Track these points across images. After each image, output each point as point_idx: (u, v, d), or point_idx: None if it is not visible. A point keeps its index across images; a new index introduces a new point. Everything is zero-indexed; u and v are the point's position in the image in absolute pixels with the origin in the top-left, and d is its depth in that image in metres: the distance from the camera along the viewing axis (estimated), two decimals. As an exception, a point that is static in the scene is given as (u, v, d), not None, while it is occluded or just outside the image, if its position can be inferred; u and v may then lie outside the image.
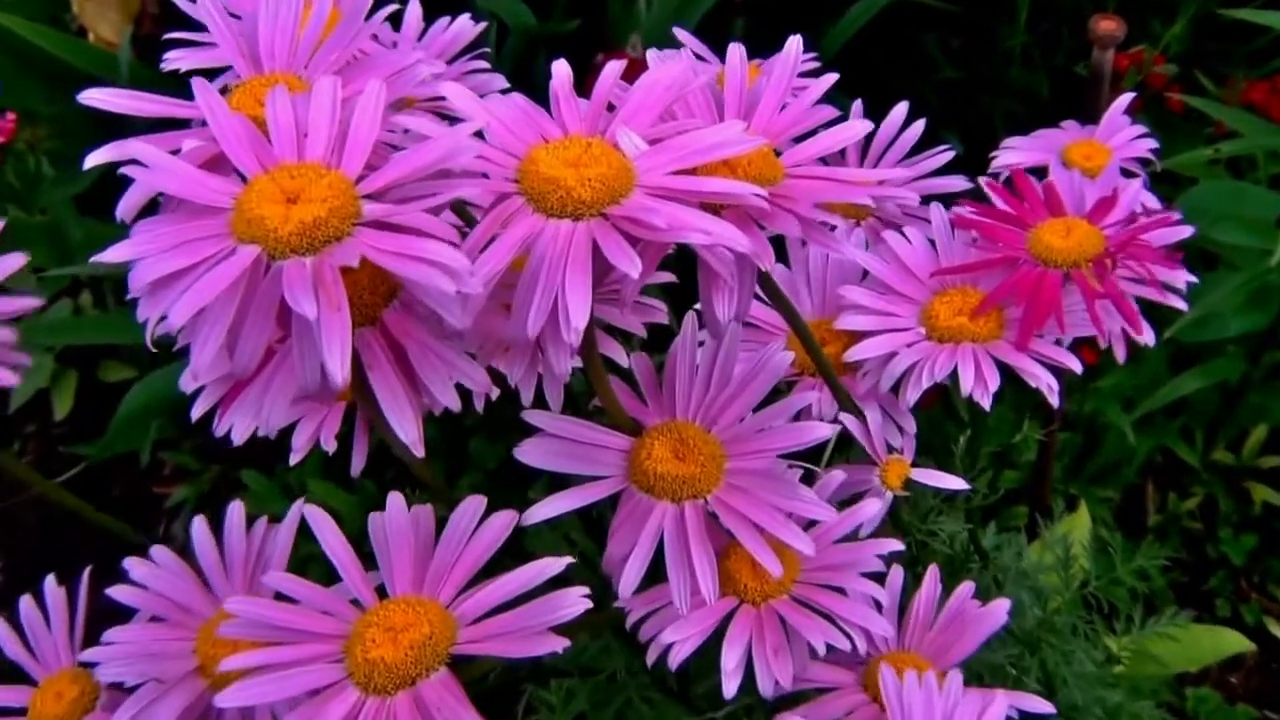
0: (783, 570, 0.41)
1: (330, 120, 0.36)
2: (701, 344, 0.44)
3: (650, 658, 0.44)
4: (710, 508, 0.42)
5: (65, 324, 1.03)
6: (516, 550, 0.41)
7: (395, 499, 0.41)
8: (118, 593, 0.46)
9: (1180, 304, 0.52)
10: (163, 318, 0.33)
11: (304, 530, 0.44)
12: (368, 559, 0.41)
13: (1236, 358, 0.93)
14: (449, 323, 0.34)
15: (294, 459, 0.47)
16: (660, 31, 0.89)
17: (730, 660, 0.43)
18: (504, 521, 0.41)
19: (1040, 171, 0.58)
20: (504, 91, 0.45)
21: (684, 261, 0.40)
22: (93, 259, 0.34)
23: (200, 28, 0.44)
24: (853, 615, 0.44)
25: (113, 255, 0.33)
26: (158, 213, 0.37)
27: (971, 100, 1.02)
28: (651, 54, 0.47)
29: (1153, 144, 0.60)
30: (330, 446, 0.47)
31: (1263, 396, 0.97)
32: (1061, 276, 0.51)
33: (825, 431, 0.43)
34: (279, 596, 0.41)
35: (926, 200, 0.55)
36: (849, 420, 0.49)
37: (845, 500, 0.47)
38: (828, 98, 0.43)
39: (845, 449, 0.51)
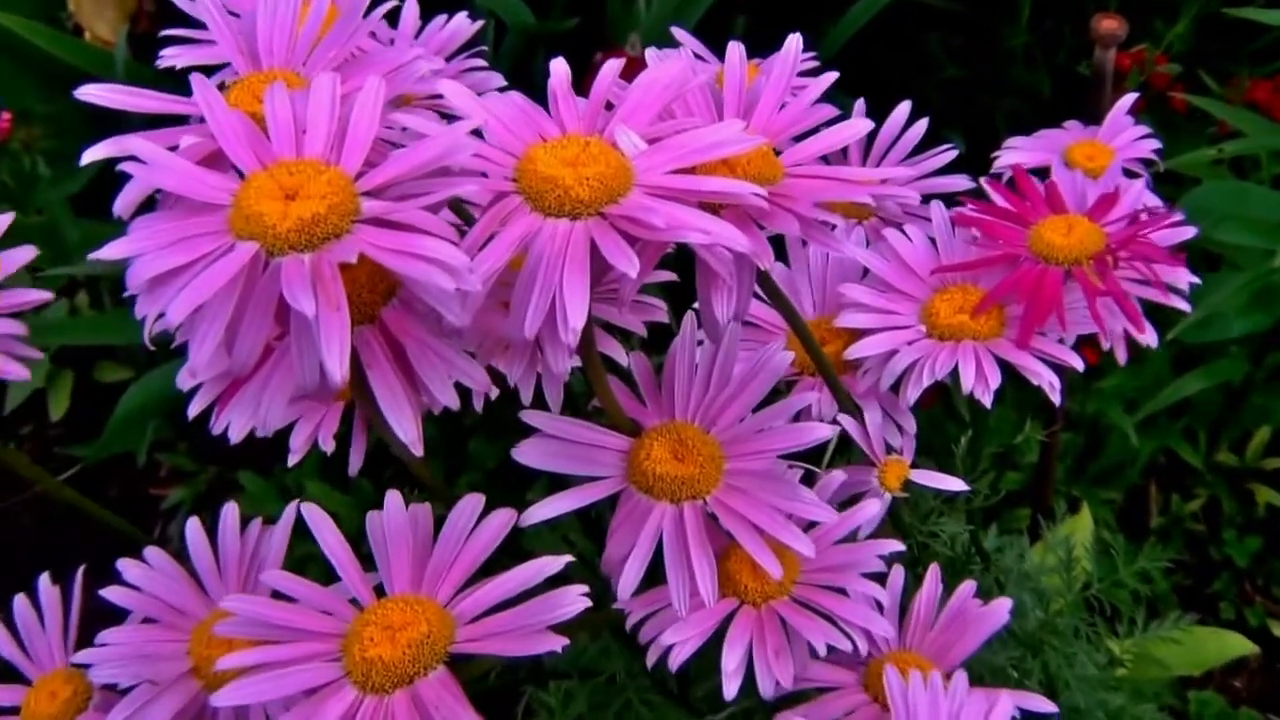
0: (782, 571, 0.41)
1: (329, 117, 0.36)
2: (701, 344, 0.44)
3: (650, 659, 0.43)
4: (709, 509, 0.42)
5: (61, 324, 1.02)
6: (515, 551, 0.41)
7: (393, 497, 0.41)
8: (112, 594, 0.46)
9: (1183, 304, 0.51)
10: (161, 315, 0.32)
11: (302, 531, 0.44)
12: (365, 559, 0.41)
13: (1240, 359, 0.92)
14: (448, 320, 0.34)
15: (292, 459, 0.47)
16: (660, 30, 0.89)
17: (731, 661, 0.43)
18: (502, 520, 0.40)
19: (1043, 172, 0.58)
20: (502, 90, 0.45)
21: (684, 260, 0.40)
22: (91, 256, 0.34)
23: (197, 27, 0.44)
24: (854, 616, 0.44)
25: (110, 252, 0.33)
26: (155, 210, 0.37)
27: (973, 99, 1.02)
28: (650, 53, 0.47)
29: (1156, 144, 0.60)
30: (329, 446, 0.47)
31: (1266, 398, 0.97)
32: (1063, 274, 0.50)
33: (825, 432, 0.43)
34: (276, 595, 0.41)
35: (928, 199, 0.55)
36: (848, 421, 0.49)
37: (845, 501, 0.47)
38: (829, 97, 0.42)
39: (846, 450, 0.50)
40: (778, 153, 0.41)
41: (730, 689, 0.42)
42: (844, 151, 0.58)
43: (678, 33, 0.57)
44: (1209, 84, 0.99)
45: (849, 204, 0.54)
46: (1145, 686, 0.70)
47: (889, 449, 0.50)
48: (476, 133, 0.37)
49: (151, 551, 0.47)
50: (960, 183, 0.57)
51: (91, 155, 0.36)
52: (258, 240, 0.33)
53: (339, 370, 0.32)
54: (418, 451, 0.37)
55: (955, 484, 0.49)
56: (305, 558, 0.53)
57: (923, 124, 0.58)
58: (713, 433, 0.43)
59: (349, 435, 0.47)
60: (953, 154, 0.58)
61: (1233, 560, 0.97)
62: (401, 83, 0.39)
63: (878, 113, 0.55)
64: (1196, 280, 0.52)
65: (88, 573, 0.50)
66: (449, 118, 0.38)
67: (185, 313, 0.32)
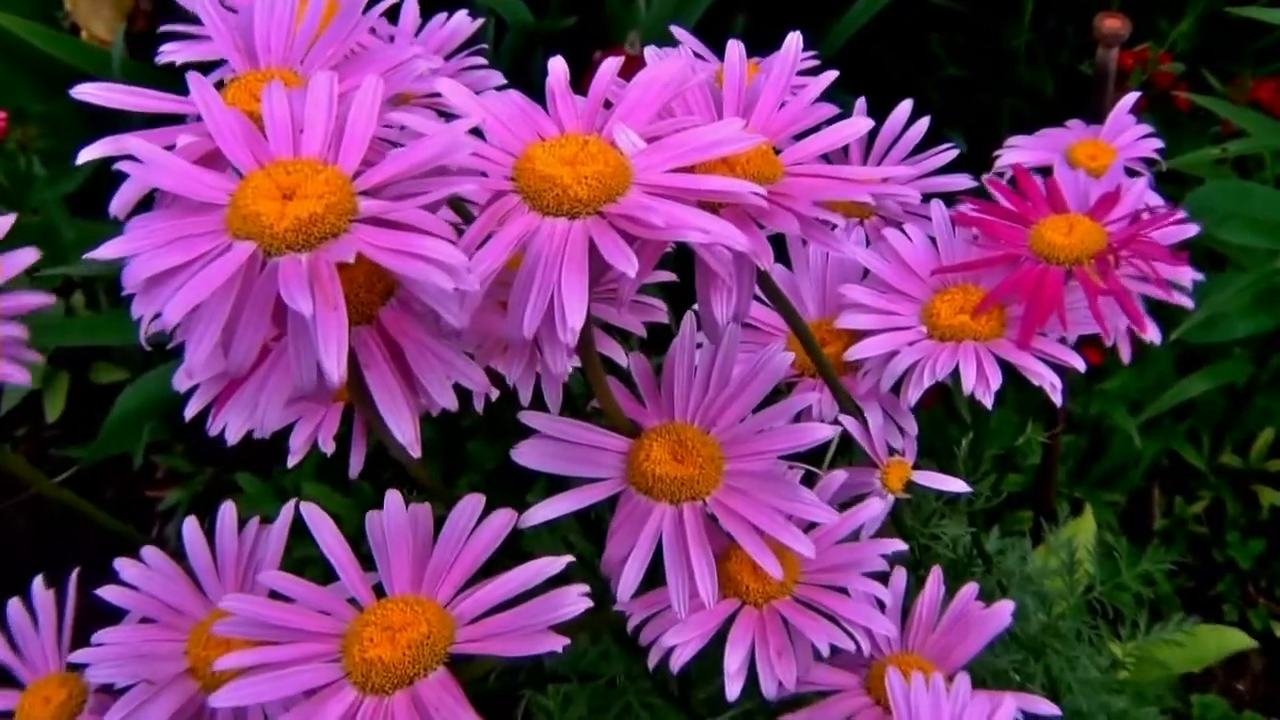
0: (783, 572, 0.41)
1: (327, 115, 0.36)
2: (700, 345, 0.44)
3: (651, 661, 0.43)
4: (709, 510, 0.41)
5: (57, 325, 1.02)
6: (514, 553, 0.41)
7: (393, 497, 0.41)
8: (108, 593, 0.46)
9: (1187, 302, 0.51)
10: (157, 315, 0.32)
11: (300, 533, 0.43)
12: (365, 560, 0.41)
13: (1243, 360, 0.92)
14: (446, 320, 0.34)
15: (292, 460, 0.47)
16: (659, 29, 0.89)
17: (733, 662, 0.42)
18: (502, 521, 0.40)
19: (1045, 171, 0.58)
20: (501, 88, 0.45)
21: (684, 260, 0.40)
22: (86, 255, 0.34)
23: (197, 23, 0.44)
24: (855, 615, 0.44)
25: (107, 252, 0.33)
26: (152, 209, 0.36)
27: (975, 98, 1.02)
28: (650, 51, 0.46)
29: (1158, 143, 0.60)
30: (329, 448, 0.47)
31: (1270, 399, 0.97)
32: (1064, 273, 0.50)
33: (825, 433, 0.43)
34: (274, 595, 0.41)
35: (929, 199, 0.54)
36: (849, 422, 0.49)
37: (846, 502, 0.47)
38: (829, 95, 0.42)
39: (847, 451, 0.50)
40: (777, 151, 0.41)
41: (733, 689, 0.42)
42: (845, 150, 0.58)
43: (677, 31, 0.57)
44: (1212, 83, 0.99)
45: (849, 203, 0.54)
46: (1147, 689, 0.70)
47: (891, 451, 0.50)
48: (475, 131, 0.36)
49: (149, 551, 0.47)
50: (961, 182, 0.57)
51: (88, 154, 0.36)
52: (255, 240, 0.33)
53: (336, 370, 0.32)
54: (416, 453, 0.37)
55: (957, 485, 0.49)
56: (304, 560, 0.53)
57: (924, 123, 0.58)
58: (712, 434, 0.43)
59: (348, 436, 0.47)
60: (954, 153, 0.57)
61: (1236, 563, 0.97)
62: (400, 81, 0.39)
63: (879, 111, 0.55)
64: (1200, 277, 0.51)
65: (83, 575, 0.50)
66: (448, 116, 0.38)
67: (182, 313, 0.31)
